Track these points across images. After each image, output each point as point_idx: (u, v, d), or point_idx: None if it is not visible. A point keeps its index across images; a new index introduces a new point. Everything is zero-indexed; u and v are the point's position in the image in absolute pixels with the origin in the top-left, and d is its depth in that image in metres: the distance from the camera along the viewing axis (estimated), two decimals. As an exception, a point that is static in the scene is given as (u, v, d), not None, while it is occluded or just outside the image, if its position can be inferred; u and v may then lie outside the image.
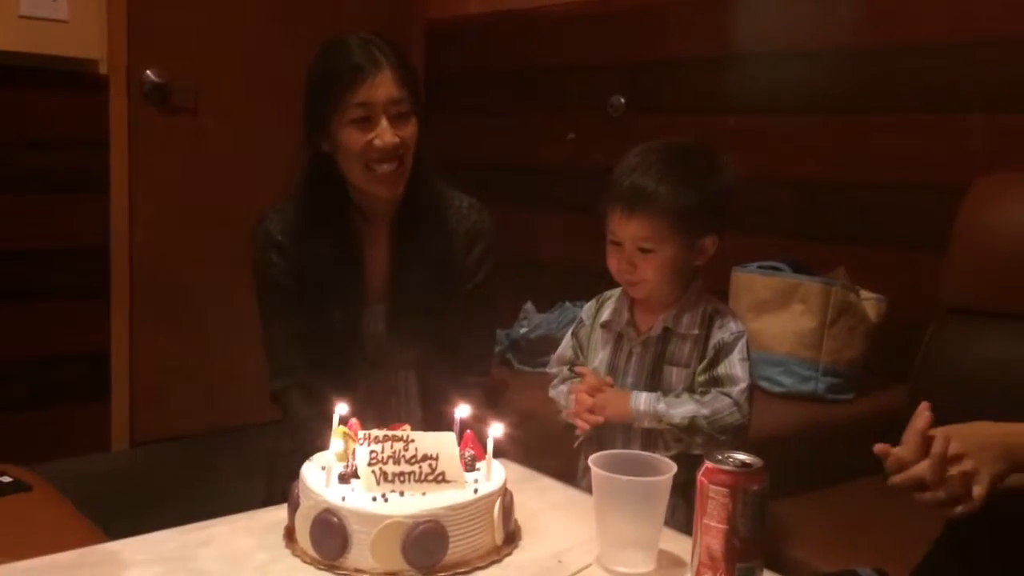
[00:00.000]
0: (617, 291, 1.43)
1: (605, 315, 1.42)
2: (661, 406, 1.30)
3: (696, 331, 1.33)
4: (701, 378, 1.33)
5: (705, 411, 1.29)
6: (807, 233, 2.38)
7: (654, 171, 1.29)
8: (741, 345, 1.32)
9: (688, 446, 1.30)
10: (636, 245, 1.30)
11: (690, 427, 1.29)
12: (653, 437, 1.33)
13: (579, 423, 1.37)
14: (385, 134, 1.57)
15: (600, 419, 1.34)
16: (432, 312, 1.63)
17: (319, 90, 1.62)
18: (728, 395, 1.29)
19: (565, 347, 1.48)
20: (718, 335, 1.32)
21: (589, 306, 1.47)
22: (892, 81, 2.24)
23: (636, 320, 1.38)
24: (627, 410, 1.32)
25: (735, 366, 1.31)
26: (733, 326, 1.33)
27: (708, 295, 1.38)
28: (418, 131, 1.62)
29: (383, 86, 1.57)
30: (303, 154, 1.66)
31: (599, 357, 1.42)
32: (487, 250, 1.72)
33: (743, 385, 1.30)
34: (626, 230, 1.30)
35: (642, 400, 1.32)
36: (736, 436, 1.29)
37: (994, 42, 2.06)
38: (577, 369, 1.43)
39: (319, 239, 1.65)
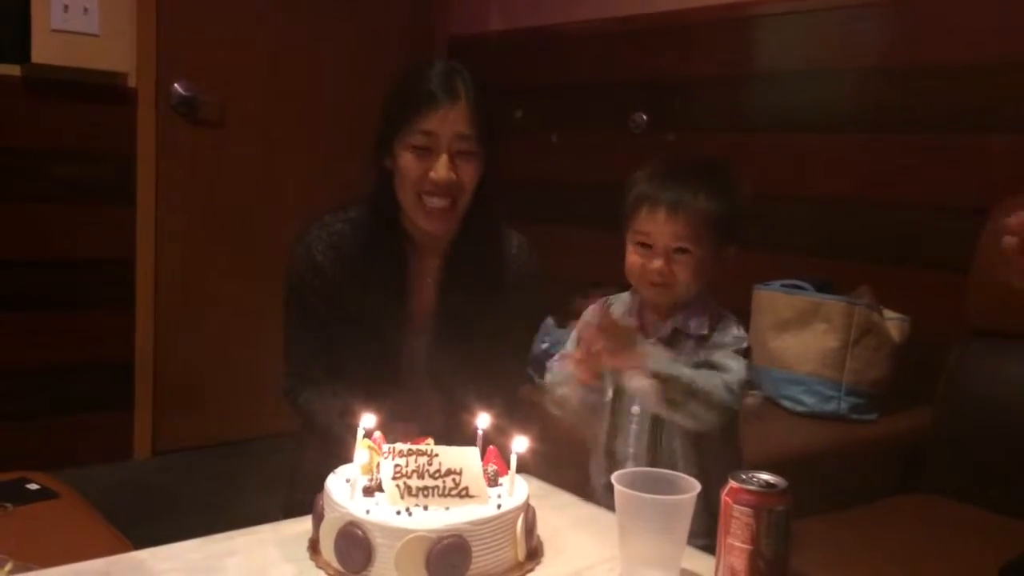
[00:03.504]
0: (624, 295, 1.43)
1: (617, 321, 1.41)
2: (675, 364, 1.30)
3: (704, 332, 1.35)
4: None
5: (704, 382, 1.28)
6: (830, 252, 2.37)
7: (692, 179, 1.34)
8: (739, 347, 1.33)
9: (674, 409, 1.28)
10: (674, 245, 1.32)
11: (688, 388, 1.27)
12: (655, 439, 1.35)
13: (580, 372, 1.34)
14: (441, 169, 1.53)
15: (593, 376, 1.32)
16: (471, 349, 1.60)
17: (392, 107, 1.58)
18: (724, 379, 1.29)
19: (570, 346, 1.46)
20: (718, 337, 1.34)
21: (592, 309, 1.45)
22: (916, 101, 2.24)
23: (645, 323, 1.39)
24: (637, 363, 1.29)
25: (729, 357, 1.32)
26: (735, 331, 1.35)
27: (714, 302, 1.39)
28: (482, 170, 1.58)
29: (453, 119, 1.53)
30: (369, 170, 1.63)
31: None
32: (531, 292, 1.70)
33: (738, 376, 1.29)
34: (665, 230, 1.32)
35: (657, 359, 1.29)
36: (721, 417, 1.29)
37: (1019, 64, 2.05)
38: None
39: (368, 263, 1.62)
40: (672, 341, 1.36)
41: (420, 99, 1.54)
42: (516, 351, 1.74)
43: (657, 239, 1.32)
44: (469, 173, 1.57)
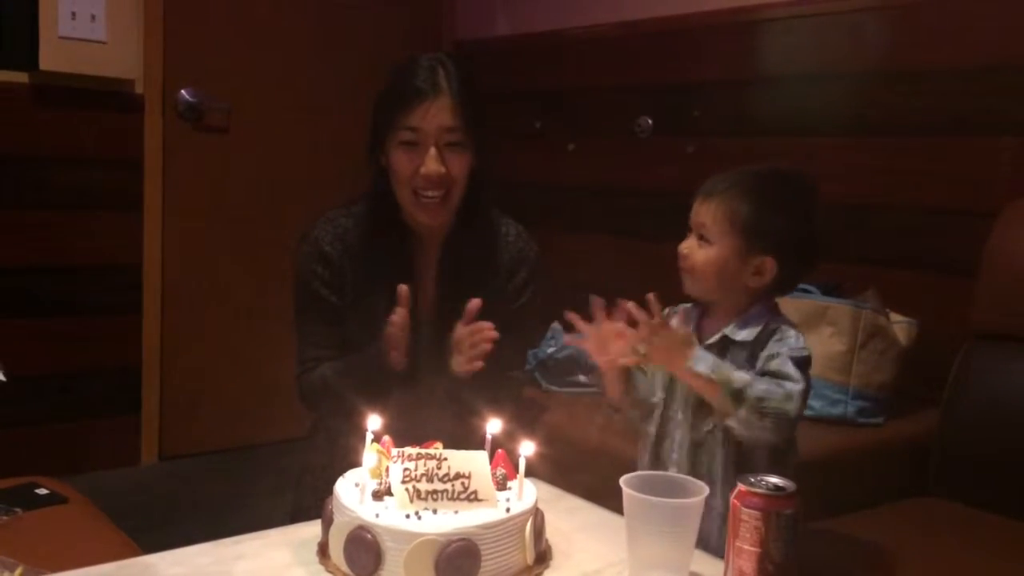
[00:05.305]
0: (683, 306, 1.44)
1: (672, 324, 1.41)
2: (725, 366, 1.27)
3: (751, 340, 1.32)
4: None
5: (760, 387, 1.24)
6: (836, 256, 2.35)
7: (733, 178, 1.37)
8: (796, 357, 1.28)
9: (726, 416, 1.26)
10: (699, 231, 1.36)
11: (739, 394, 1.24)
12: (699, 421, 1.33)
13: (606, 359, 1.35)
14: (431, 163, 1.56)
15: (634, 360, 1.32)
16: None
17: (382, 106, 1.62)
18: (782, 387, 1.25)
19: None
20: (773, 347, 1.30)
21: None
22: (922, 104, 2.24)
23: (701, 331, 1.38)
24: (682, 363, 1.27)
25: (788, 364, 1.27)
26: (793, 341, 1.30)
27: (780, 317, 1.36)
28: (473, 161, 1.61)
29: (437, 113, 1.56)
30: (368, 167, 1.67)
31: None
32: (529, 277, 1.72)
33: (799, 386, 1.25)
34: (696, 216, 1.37)
35: (704, 360, 1.27)
36: (778, 427, 1.25)
37: (1025, 66, 2.05)
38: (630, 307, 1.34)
39: (371, 255, 1.65)
40: (721, 349, 1.33)
41: (405, 96, 1.57)
42: (517, 337, 1.75)
43: (694, 223, 1.37)
44: (459, 165, 1.60)
